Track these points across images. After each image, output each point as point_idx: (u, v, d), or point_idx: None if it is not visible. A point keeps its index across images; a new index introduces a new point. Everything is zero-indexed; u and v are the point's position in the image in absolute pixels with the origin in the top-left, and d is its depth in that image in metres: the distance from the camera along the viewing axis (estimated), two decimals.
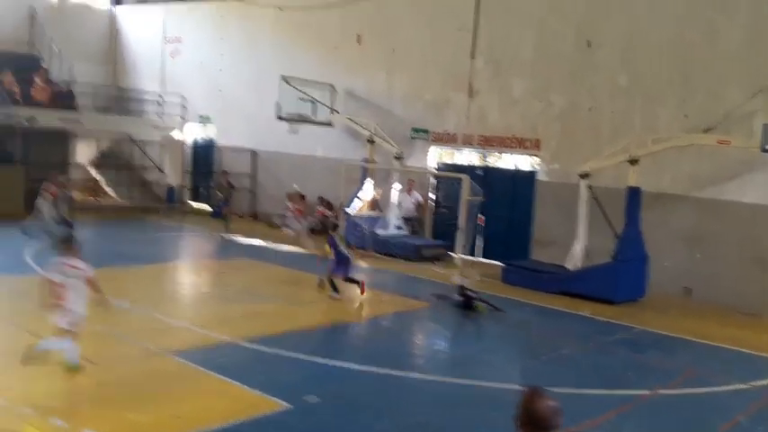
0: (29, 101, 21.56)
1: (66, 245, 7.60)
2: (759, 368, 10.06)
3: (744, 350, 11.03)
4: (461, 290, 12.16)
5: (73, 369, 7.36)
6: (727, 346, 11.18)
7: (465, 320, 11.71)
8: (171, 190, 24.46)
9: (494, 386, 8.53)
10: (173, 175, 24.52)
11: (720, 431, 7.59)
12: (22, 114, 20.55)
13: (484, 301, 12.04)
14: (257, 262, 15.22)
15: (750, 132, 12.70)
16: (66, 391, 7.30)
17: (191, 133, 25.44)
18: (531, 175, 17.31)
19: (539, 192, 16.97)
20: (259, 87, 21.90)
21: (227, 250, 16.88)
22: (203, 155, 24.97)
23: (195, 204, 24.54)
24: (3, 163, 19.79)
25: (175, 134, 25.04)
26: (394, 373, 8.71)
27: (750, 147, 12.48)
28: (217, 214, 22.47)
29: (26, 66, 23.31)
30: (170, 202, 24.01)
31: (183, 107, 25.04)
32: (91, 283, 7.48)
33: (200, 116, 24.80)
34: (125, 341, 9.16)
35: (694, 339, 11.54)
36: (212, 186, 24.09)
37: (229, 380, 7.91)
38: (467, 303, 11.93)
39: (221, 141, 24.07)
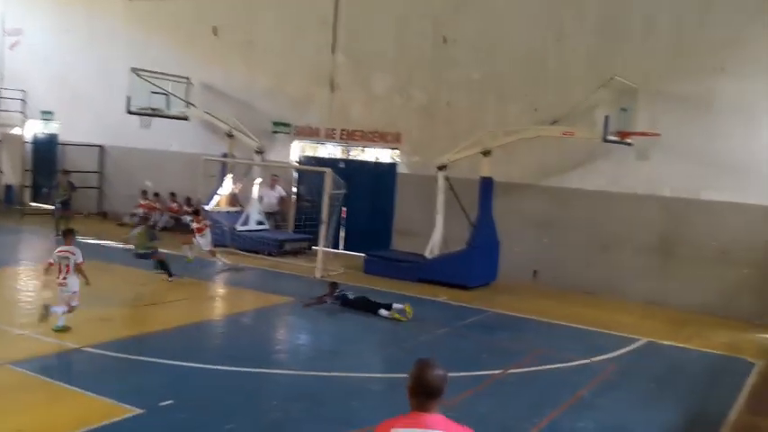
0: None
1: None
2: (600, 344, 10.81)
3: (586, 327, 11.84)
4: (333, 289, 12.05)
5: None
6: (571, 325, 11.95)
7: (326, 315, 11.69)
8: (9, 189, 22.71)
9: (356, 376, 8.59)
10: (11, 173, 22.77)
11: (566, 405, 8.05)
12: None
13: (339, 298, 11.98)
14: (106, 264, 14.41)
15: (592, 124, 13.61)
16: None
17: (32, 130, 23.68)
18: (392, 168, 17.63)
19: (399, 184, 17.30)
20: (108, 81, 20.74)
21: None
22: (45, 152, 23.31)
23: (36, 204, 22.87)
24: None
25: (15, 131, 23.21)
26: (253, 370, 8.56)
27: (592, 137, 13.37)
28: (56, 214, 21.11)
29: None
30: (8, 203, 22.29)
31: (24, 102, 23.25)
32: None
33: (43, 112, 23.15)
34: None
35: (541, 319, 12.23)
36: (54, 186, 22.59)
37: (77, 389, 7.44)
38: (345, 301, 11.84)
39: (67, 137, 22.56)
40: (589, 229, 14.91)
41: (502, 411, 7.74)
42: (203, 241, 14.92)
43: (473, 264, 14.28)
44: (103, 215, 21.78)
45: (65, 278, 9.57)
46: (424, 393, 3.38)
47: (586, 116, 14.00)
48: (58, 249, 9.78)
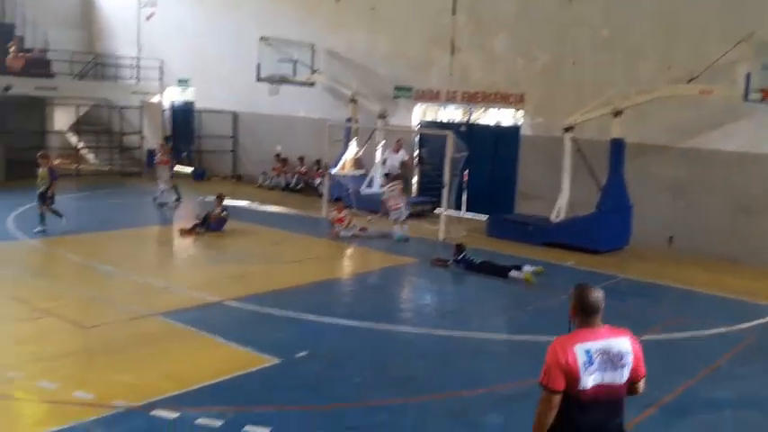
0: (3, 69, 21.13)
1: None
2: (739, 313, 10.23)
3: (725, 295, 11.22)
4: (458, 252, 12.11)
5: None
6: (708, 293, 11.36)
7: (451, 276, 11.78)
8: (151, 154, 24.24)
9: (480, 336, 8.63)
10: (152, 139, 24.27)
11: (701, 375, 7.73)
12: None
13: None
14: (242, 223, 15.18)
15: (732, 82, 12.70)
16: (54, 354, 7.30)
17: (170, 97, 25.11)
18: (515, 130, 17.30)
19: (523, 146, 16.97)
20: (239, 49, 21.57)
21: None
22: (183, 118, 24.70)
23: (175, 168, 24.29)
24: None
25: (154, 98, 24.70)
26: (380, 326, 8.79)
27: (732, 96, 12.49)
28: (199, 176, 22.40)
29: (1, 34, 22.79)
30: (150, 167, 23.81)
31: (162, 71, 24.66)
32: None
33: (179, 79, 24.45)
34: (112, 305, 9.15)
35: (677, 286, 11.70)
36: (193, 150, 23.92)
37: (218, 338, 7.97)
38: (469, 265, 11.88)
39: (202, 104, 23.78)
40: (729, 193, 14.03)
41: None
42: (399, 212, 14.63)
43: (603, 228, 13.84)
44: (238, 178, 22.86)
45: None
46: (591, 310, 3.80)
47: (725, 73, 13.08)
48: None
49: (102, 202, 17.57)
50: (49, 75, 22.43)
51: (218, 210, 14.40)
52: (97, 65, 24.95)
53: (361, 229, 14.58)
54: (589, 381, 3.67)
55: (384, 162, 18.37)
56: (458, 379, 7.25)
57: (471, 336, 8.64)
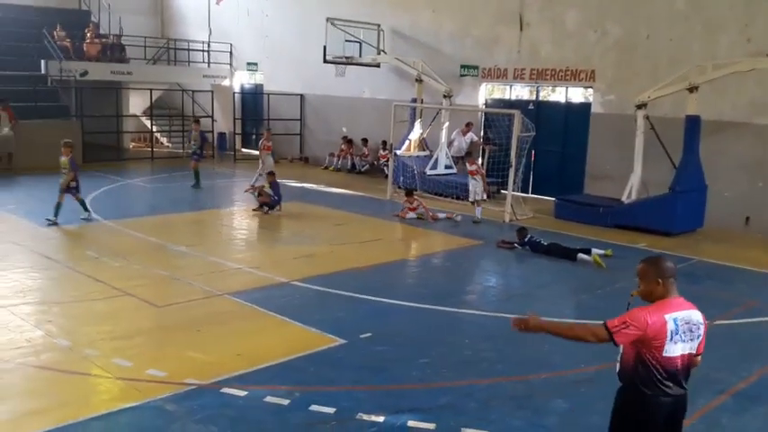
0: (80, 55, 21.94)
1: None
2: None
3: None
4: (521, 235, 11.98)
5: None
6: None
7: (517, 259, 11.65)
8: (221, 137, 24.78)
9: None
10: (223, 122, 24.79)
11: None
12: (74, 69, 20.95)
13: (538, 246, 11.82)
14: (308, 205, 15.39)
15: None
16: (129, 332, 7.60)
17: (239, 80, 25.57)
18: (585, 108, 16.88)
19: (593, 124, 16.54)
20: (305, 31, 21.74)
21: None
22: (252, 101, 25.12)
23: (245, 150, 24.83)
24: (60, 117, 20.29)
25: (224, 82, 25.20)
26: (445, 308, 8.78)
27: None
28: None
29: (76, 21, 23.65)
30: (221, 149, 24.35)
31: (231, 54, 25.11)
32: None
33: (248, 63, 24.86)
34: (184, 284, 9.45)
35: (753, 269, 11.25)
36: (262, 132, 24.29)
37: (286, 318, 8.13)
38: (536, 248, 11.74)
39: (270, 87, 24.13)
40: None
41: (706, 363, 7.23)
42: (477, 189, 14.38)
43: (677, 209, 13.38)
44: (305, 160, 23.15)
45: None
46: (670, 272, 3.89)
47: None
48: None
49: (176, 184, 18.07)
50: (124, 60, 23.16)
51: (265, 186, 14.75)
52: (169, 50, 25.61)
53: (447, 218, 14.45)
54: (675, 349, 3.82)
55: (451, 143, 18.24)
56: (523, 363, 7.19)
57: None
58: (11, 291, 8.86)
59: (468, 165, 14.66)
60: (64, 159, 12.70)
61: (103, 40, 23.17)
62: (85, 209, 13.11)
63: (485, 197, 14.48)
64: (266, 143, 17.49)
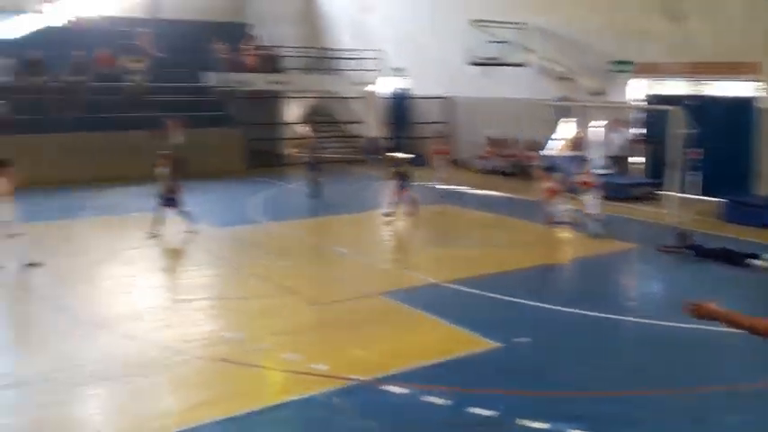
0: (241, 67, 23.35)
1: None
2: None
3: None
4: (683, 238, 11.37)
5: None
6: None
7: (679, 264, 11.06)
8: (372, 141, 25.41)
9: (714, 329, 7.99)
10: (372, 127, 25.42)
11: None
12: (236, 80, 22.35)
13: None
14: (458, 207, 15.48)
15: None
16: (294, 328, 8.04)
17: (387, 86, 26.13)
18: (750, 103, 15.71)
19: (761, 120, 15.36)
20: (449, 34, 21.83)
21: (430, 197, 17.27)
22: (399, 106, 25.58)
23: (392, 154, 25.28)
24: (224, 125, 21.72)
25: (373, 88, 25.86)
26: (602, 315, 8.52)
27: None
28: (418, 161, 23.02)
29: (237, 34, 25.19)
30: (370, 154, 24.97)
31: (380, 61, 25.72)
32: None
33: (395, 68, 25.35)
34: (344, 284, 9.85)
35: None
36: (410, 137, 24.68)
37: (441, 319, 8.24)
38: (700, 252, 11.12)
39: (416, 91, 24.47)
40: None
41: None
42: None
43: None
44: (453, 163, 23.26)
45: None
46: None
47: None
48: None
49: (332, 188, 18.78)
50: (281, 70, 24.39)
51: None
52: (322, 58, 26.66)
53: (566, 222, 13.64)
54: None
55: (604, 142, 17.61)
56: (690, 374, 6.85)
57: (704, 328, 8.04)
58: (189, 287, 9.66)
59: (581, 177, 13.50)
60: (162, 171, 12.42)
61: (261, 51, 24.52)
62: (189, 222, 12.65)
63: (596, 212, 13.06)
64: (437, 147, 17.51)
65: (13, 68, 19.32)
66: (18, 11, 22.52)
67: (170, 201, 12.38)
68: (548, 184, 13.92)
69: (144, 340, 7.55)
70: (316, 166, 17.15)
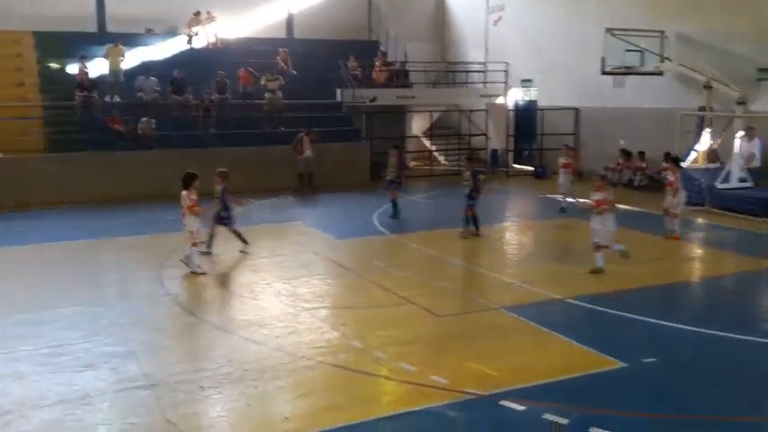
0: (370, 82, 23.94)
1: None
2: None
3: None
4: None
5: None
6: None
7: None
8: (495, 154, 25.23)
9: None
10: (496, 139, 25.23)
11: None
12: (364, 95, 22.93)
13: None
14: (581, 221, 14.99)
15: None
16: (412, 338, 8.11)
17: (513, 97, 25.87)
18: None
19: None
20: (581, 44, 21.35)
21: (552, 210, 16.89)
22: (525, 118, 25.23)
23: (518, 166, 24.97)
24: (352, 140, 22.32)
25: (499, 100, 25.68)
26: (737, 336, 7.99)
27: None
28: (540, 174, 22.64)
29: (366, 50, 25.88)
30: (494, 166, 24.78)
31: (506, 73, 25.53)
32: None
33: (523, 80, 25.05)
34: (460, 296, 9.83)
35: None
36: (535, 148, 24.28)
37: (562, 336, 8.04)
38: None
39: (543, 102, 24.04)
40: None
41: None
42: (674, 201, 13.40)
43: None
44: (578, 174, 22.62)
45: None
46: None
47: None
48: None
49: (452, 200, 18.75)
50: (408, 85, 24.77)
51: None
52: (448, 72, 26.82)
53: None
54: None
55: (745, 154, 16.50)
56: None
57: None
58: (312, 295, 9.97)
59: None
60: (217, 189, 12.21)
61: (390, 67, 25.02)
62: (243, 241, 12.48)
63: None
64: (564, 161, 16.89)
65: (158, 87, 20.85)
66: (171, 33, 24.37)
67: (222, 219, 12.26)
68: (674, 199, 13.29)
69: (270, 345, 7.87)
70: (398, 184, 15.94)
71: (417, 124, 26.48)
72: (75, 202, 17.40)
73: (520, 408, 6.18)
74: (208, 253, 12.11)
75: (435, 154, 26.55)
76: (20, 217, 16.11)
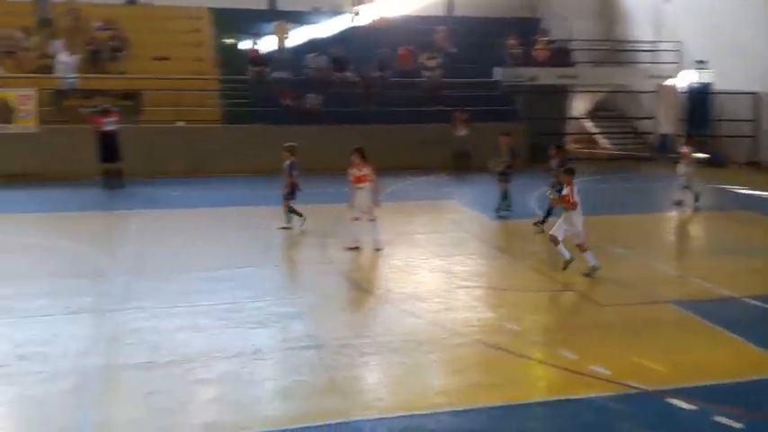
0: (530, 61, 23.39)
1: None
2: None
3: None
4: None
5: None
6: None
7: None
8: (663, 138, 23.87)
9: None
10: (665, 123, 23.85)
11: None
12: (524, 74, 22.45)
13: None
14: (757, 214, 13.89)
15: None
16: (571, 325, 7.94)
17: (685, 80, 24.27)
18: None
19: None
20: (762, 24, 19.57)
21: (725, 201, 15.74)
22: (699, 101, 23.58)
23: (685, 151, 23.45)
24: (510, 120, 21.93)
25: (669, 81, 24.21)
26: None
27: None
28: (716, 161, 21.10)
29: (528, 28, 25.27)
30: (662, 151, 23.47)
31: (680, 53, 23.97)
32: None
33: (697, 61, 23.41)
34: (625, 286, 9.43)
35: None
36: (709, 135, 22.67)
37: (735, 336, 7.54)
38: None
39: (719, 86, 22.36)
40: None
41: None
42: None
43: None
44: (756, 165, 20.95)
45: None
46: None
47: None
48: None
49: (616, 185, 18.09)
50: (570, 64, 23.96)
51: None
52: (614, 51, 25.62)
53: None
54: None
55: None
56: None
57: None
58: (467, 274, 10.01)
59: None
60: (286, 163, 12.17)
61: (552, 45, 24.29)
62: (297, 214, 12.35)
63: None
64: (683, 149, 15.70)
65: (325, 65, 21.59)
66: (336, 12, 25.13)
67: (289, 195, 12.23)
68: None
69: (426, 319, 8.01)
70: (507, 176, 14.09)
71: (579, 105, 25.55)
72: (246, 171, 18.50)
73: (688, 407, 5.88)
74: (288, 228, 12.23)
75: (597, 137, 25.57)
76: (195, 182, 17.42)
